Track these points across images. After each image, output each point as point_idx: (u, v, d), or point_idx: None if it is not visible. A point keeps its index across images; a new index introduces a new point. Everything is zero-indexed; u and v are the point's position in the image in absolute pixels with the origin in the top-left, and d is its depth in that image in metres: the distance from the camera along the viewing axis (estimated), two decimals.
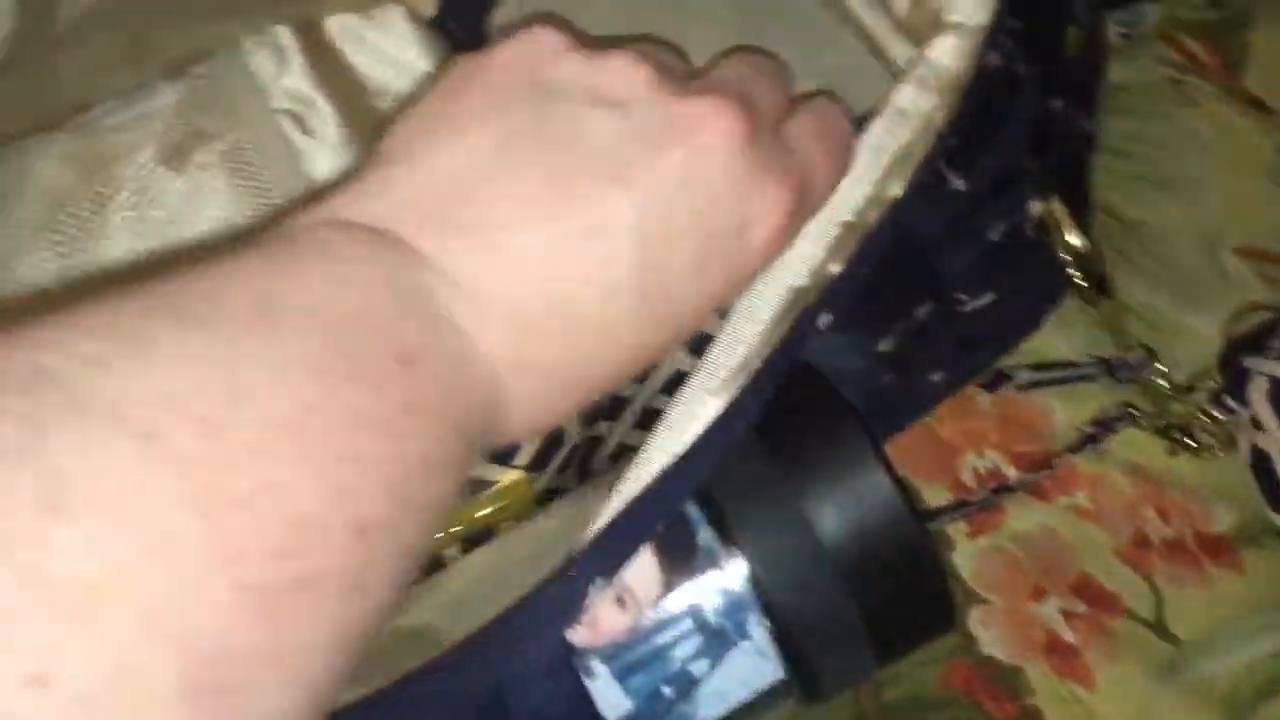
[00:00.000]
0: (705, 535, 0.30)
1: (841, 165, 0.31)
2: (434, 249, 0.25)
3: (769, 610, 0.30)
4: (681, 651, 0.30)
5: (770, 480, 0.31)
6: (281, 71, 0.47)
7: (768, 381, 0.30)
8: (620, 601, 0.30)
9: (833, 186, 0.31)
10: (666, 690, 0.30)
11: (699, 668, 0.30)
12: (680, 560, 0.30)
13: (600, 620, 0.30)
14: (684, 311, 0.27)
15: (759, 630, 0.30)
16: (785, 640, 0.30)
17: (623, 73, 0.28)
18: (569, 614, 0.29)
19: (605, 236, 0.26)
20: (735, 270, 0.28)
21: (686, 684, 0.30)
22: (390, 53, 0.48)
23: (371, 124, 0.46)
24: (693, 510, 0.31)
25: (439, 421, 0.23)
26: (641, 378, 0.35)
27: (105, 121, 0.45)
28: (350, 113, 0.46)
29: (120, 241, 0.44)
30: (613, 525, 0.29)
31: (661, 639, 0.30)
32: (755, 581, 0.30)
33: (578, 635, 0.30)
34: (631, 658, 0.30)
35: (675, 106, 0.27)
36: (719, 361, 0.30)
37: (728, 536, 0.30)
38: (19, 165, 0.44)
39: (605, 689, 0.30)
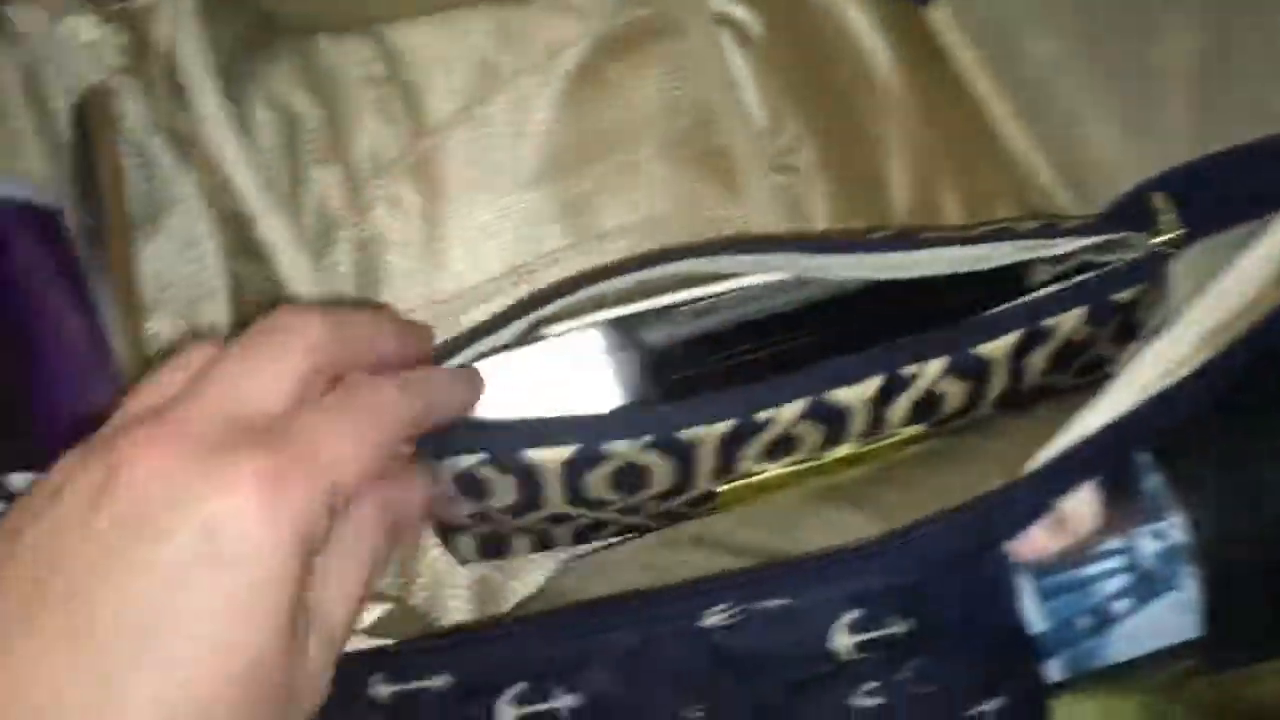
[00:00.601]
0: (1153, 481, 0.31)
1: (370, 423, 0.27)
2: None
3: (1206, 566, 0.30)
4: (1108, 587, 0.31)
5: (1227, 442, 0.31)
6: None
7: (1244, 350, 0.31)
8: (1056, 526, 0.31)
9: (366, 448, 0.27)
10: (1083, 621, 0.31)
11: (1121, 607, 0.31)
12: (1123, 500, 0.31)
13: (1034, 539, 0.31)
14: (205, 659, 0.24)
15: (1190, 584, 0.30)
16: (1215, 599, 0.30)
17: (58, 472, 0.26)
18: (1019, 526, 0.30)
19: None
20: (242, 564, 0.24)
21: (1104, 620, 0.31)
22: None
23: (797, 38, 0.47)
24: (1143, 455, 0.31)
25: None
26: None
27: (544, 7, 0.48)
28: (779, 25, 0.48)
29: (544, 113, 0.47)
30: (1070, 453, 0.30)
31: (1090, 571, 0.31)
32: (1198, 535, 0.30)
33: (1010, 548, 0.31)
34: (1057, 582, 0.31)
35: (95, 457, 0.25)
36: (1198, 320, 0.31)
37: (1177, 487, 0.31)
38: (445, 32, 0.47)
39: (1025, 605, 0.31)
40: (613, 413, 0.32)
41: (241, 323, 0.39)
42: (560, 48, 0.47)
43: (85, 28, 0.39)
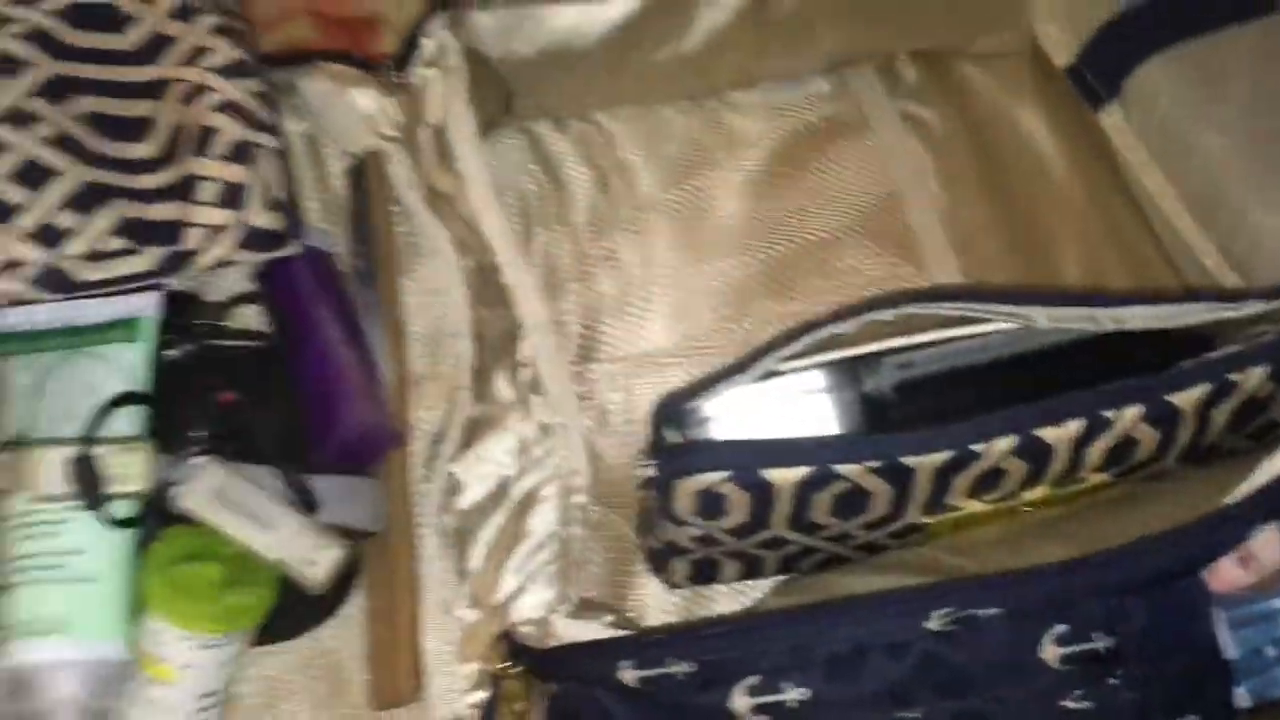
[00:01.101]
0: None
1: None
2: None
3: None
4: None
5: None
6: (898, 86, 0.54)
7: None
8: (1246, 560, 0.34)
9: None
10: (1271, 651, 0.34)
11: None
12: None
13: (1226, 572, 0.34)
14: None
15: None
16: None
17: None
18: (1214, 554, 0.33)
19: None
20: None
21: None
22: (999, 95, 0.54)
23: (974, 136, 0.52)
24: None
25: None
26: None
27: (745, 100, 0.53)
28: (957, 124, 0.53)
29: (746, 191, 0.52)
30: (1260, 492, 0.33)
31: (1278, 604, 0.34)
32: None
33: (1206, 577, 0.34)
34: (1246, 613, 0.34)
35: None
36: None
37: None
38: (655, 120, 0.53)
39: (1219, 632, 0.34)
40: (845, 437, 0.36)
41: (481, 361, 0.44)
42: (759, 137, 0.52)
43: (365, 99, 0.45)
